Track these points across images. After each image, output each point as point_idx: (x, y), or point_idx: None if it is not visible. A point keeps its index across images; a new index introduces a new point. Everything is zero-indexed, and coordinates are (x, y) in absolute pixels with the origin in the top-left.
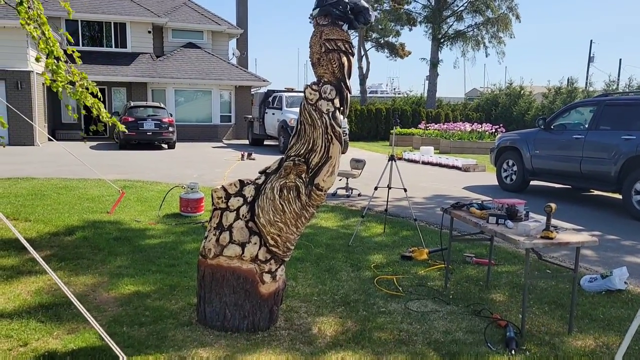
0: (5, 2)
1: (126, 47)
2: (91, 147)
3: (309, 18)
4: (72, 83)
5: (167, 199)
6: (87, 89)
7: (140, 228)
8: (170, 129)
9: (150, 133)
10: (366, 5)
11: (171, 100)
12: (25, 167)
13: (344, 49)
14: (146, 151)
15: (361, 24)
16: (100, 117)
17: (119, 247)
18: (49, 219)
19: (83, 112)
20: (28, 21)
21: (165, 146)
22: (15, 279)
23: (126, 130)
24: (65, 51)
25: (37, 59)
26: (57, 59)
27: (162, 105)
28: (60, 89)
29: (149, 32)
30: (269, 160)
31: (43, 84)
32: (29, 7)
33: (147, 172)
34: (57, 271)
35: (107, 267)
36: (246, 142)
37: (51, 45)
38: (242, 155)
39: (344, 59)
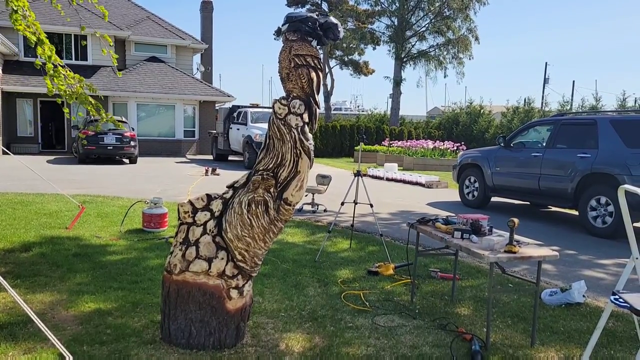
0: None
1: (87, 60)
2: (49, 162)
3: (274, 34)
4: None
5: (130, 215)
6: (87, 91)
7: (101, 244)
8: (132, 143)
9: (111, 147)
10: (335, 21)
11: (133, 114)
12: None
13: (313, 64)
14: (107, 166)
15: (330, 40)
16: (101, 117)
17: (78, 264)
18: (4, 235)
19: (74, 117)
20: (26, 28)
21: (127, 161)
22: None
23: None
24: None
25: (37, 65)
26: (55, 65)
27: (124, 119)
28: (60, 92)
29: (111, 45)
30: (234, 176)
31: None
32: (23, 16)
33: (107, 187)
34: (12, 289)
35: (66, 284)
36: (210, 157)
37: (48, 51)
38: (207, 171)
39: (313, 75)
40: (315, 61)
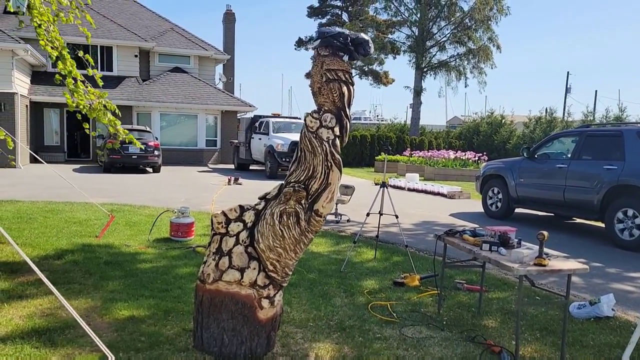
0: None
1: (112, 71)
2: (74, 170)
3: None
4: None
5: (157, 223)
6: (105, 107)
7: (131, 252)
8: (156, 152)
9: (136, 156)
10: (366, 37)
11: (157, 123)
12: (8, 190)
13: (344, 78)
14: (131, 175)
15: (361, 55)
16: (118, 134)
17: (110, 272)
18: (37, 243)
19: (94, 133)
20: (48, 43)
21: (151, 170)
22: (6, 303)
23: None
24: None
25: (57, 80)
26: (75, 79)
27: (148, 129)
28: (80, 107)
29: (136, 55)
30: (256, 185)
31: (27, 105)
32: (46, 30)
33: (133, 195)
34: (48, 296)
35: (100, 291)
36: (232, 166)
37: (69, 66)
38: (229, 180)
39: (345, 89)
40: (347, 75)
